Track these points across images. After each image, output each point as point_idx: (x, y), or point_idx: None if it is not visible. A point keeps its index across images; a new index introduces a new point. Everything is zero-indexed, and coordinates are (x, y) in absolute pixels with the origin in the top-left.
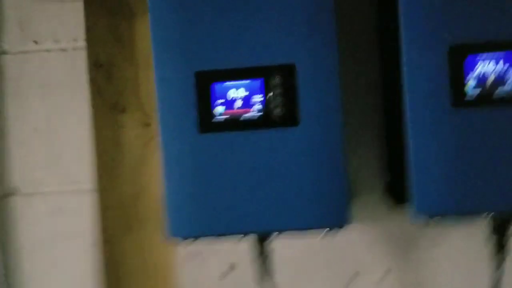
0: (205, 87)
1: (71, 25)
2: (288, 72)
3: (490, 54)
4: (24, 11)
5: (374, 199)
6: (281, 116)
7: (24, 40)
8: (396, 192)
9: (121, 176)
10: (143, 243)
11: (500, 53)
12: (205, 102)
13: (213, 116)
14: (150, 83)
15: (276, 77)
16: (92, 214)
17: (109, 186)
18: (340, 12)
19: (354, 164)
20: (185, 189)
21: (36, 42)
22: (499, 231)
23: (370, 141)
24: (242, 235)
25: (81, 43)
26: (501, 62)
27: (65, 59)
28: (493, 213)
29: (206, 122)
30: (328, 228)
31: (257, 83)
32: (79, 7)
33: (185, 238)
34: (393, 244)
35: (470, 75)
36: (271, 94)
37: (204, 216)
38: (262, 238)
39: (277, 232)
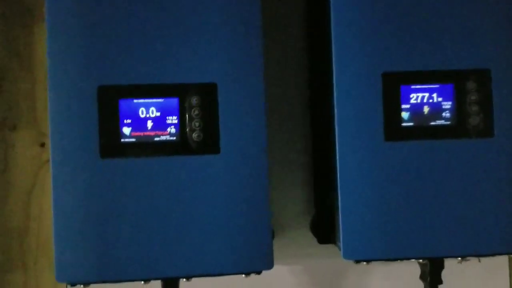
0: (109, 104)
1: None
2: (208, 91)
3: (425, 85)
4: None
5: (300, 235)
6: (200, 141)
7: None
8: (322, 230)
9: (8, 204)
10: (27, 284)
11: (435, 86)
12: (109, 121)
13: (119, 137)
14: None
15: (194, 97)
16: None
17: None
18: (268, 33)
19: (280, 198)
20: (76, 224)
21: None
22: (429, 277)
23: (297, 175)
24: (144, 281)
25: None
26: (435, 95)
27: None
28: (423, 259)
29: (109, 145)
30: (247, 273)
31: (172, 102)
32: None
33: (74, 283)
34: (319, 283)
35: (404, 106)
36: (188, 116)
37: (97, 257)
38: (169, 285)
39: (186, 279)
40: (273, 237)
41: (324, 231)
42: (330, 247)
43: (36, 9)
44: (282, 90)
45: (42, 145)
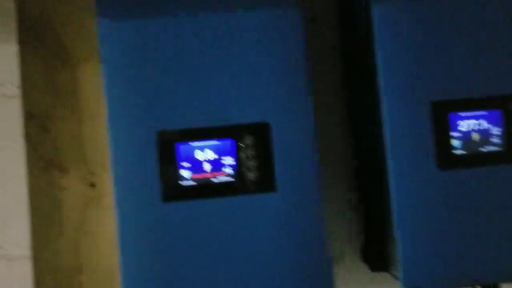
0: (168, 148)
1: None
2: (261, 131)
3: (473, 112)
4: None
5: (350, 264)
6: (256, 181)
7: None
8: (374, 258)
9: (60, 244)
10: None
11: (483, 112)
12: (168, 165)
13: (178, 180)
14: (95, 136)
15: (248, 137)
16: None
17: (45, 256)
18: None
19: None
20: (143, 266)
21: None
22: None
23: (344, 205)
24: None
25: (13, 91)
26: (484, 121)
27: None
28: (483, 285)
29: (169, 189)
30: None
31: (227, 143)
32: (12, 50)
33: None
34: None
35: (454, 134)
36: (243, 156)
37: None
38: None
39: None
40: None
41: (376, 258)
42: (384, 275)
43: (76, 51)
44: (325, 125)
45: (92, 185)
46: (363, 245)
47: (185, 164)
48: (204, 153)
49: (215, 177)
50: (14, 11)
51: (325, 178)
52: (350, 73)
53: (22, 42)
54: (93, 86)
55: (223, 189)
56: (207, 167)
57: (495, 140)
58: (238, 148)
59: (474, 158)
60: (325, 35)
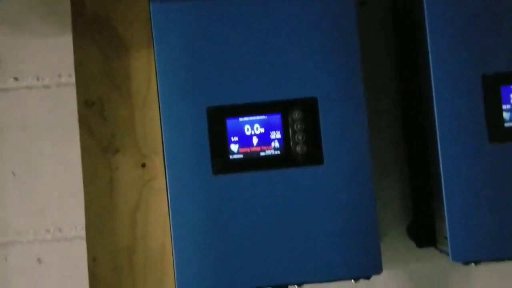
0: (218, 123)
1: (55, 61)
2: (309, 106)
3: None
4: (3, 46)
5: (397, 240)
6: (303, 154)
7: (3, 77)
8: (421, 233)
9: (115, 224)
10: None
11: None
12: (218, 140)
13: (228, 154)
14: (146, 122)
15: (296, 112)
16: (79, 267)
17: (100, 236)
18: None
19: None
20: (196, 239)
21: (16, 79)
22: None
23: (392, 181)
24: None
25: (67, 79)
26: None
27: (49, 97)
28: None
29: (219, 162)
30: (356, 279)
31: (275, 118)
32: (67, 41)
33: None
34: (421, 287)
35: (505, 107)
36: (291, 130)
37: (217, 269)
38: None
39: (297, 285)
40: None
41: (423, 234)
42: (429, 251)
43: (129, 38)
44: (375, 98)
45: (143, 165)
46: (411, 221)
47: (234, 138)
48: (253, 128)
49: (263, 151)
50: (69, 2)
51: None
52: (402, 55)
53: (78, 33)
54: (145, 73)
55: (270, 162)
56: (255, 141)
57: None
58: (285, 123)
59: None
60: (375, 18)
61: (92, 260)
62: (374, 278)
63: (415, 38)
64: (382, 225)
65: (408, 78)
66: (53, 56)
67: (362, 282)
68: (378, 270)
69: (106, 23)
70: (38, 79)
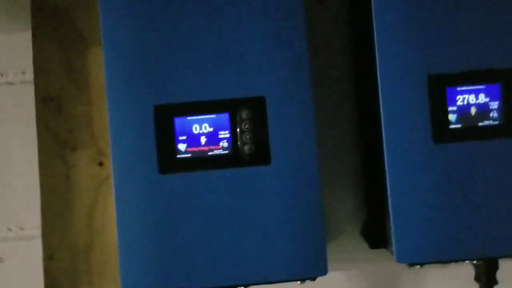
0: (165, 122)
1: (18, 57)
2: (257, 105)
3: (471, 86)
4: None
5: (351, 240)
6: (251, 154)
7: None
8: (374, 235)
9: (71, 221)
10: None
11: (481, 86)
12: (165, 139)
13: (175, 154)
14: (104, 118)
15: (244, 111)
16: (36, 265)
17: (56, 233)
18: (313, 43)
19: (329, 203)
20: (140, 238)
21: None
22: (484, 278)
23: (347, 180)
24: None
25: (30, 76)
26: (482, 95)
27: (12, 94)
28: (478, 260)
29: (166, 161)
30: (302, 280)
31: (223, 117)
32: (28, 37)
33: None
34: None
35: (451, 108)
36: (239, 129)
37: (162, 268)
38: None
39: (243, 287)
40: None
41: (376, 235)
42: (381, 252)
43: (89, 34)
44: (331, 96)
45: (101, 163)
46: (364, 222)
47: (182, 137)
48: (201, 127)
49: (211, 150)
50: None
51: (329, 154)
52: (357, 54)
53: (37, 27)
54: (103, 68)
55: (218, 162)
56: (203, 140)
57: (493, 114)
58: (234, 122)
59: (471, 132)
60: (334, 14)
61: (49, 258)
62: (328, 278)
63: (369, 38)
64: (338, 224)
65: (363, 78)
66: (17, 52)
67: (316, 282)
68: (323, 271)
69: (65, 16)
70: (2, 75)
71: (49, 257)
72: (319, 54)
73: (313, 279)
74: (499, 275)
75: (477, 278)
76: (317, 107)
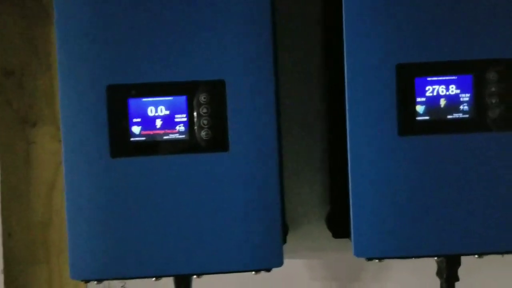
0: (118, 103)
1: None
2: (216, 88)
3: (441, 77)
4: None
5: (315, 229)
6: (208, 139)
7: None
8: (337, 224)
9: (30, 199)
10: (52, 278)
11: (452, 77)
12: (118, 121)
13: (128, 137)
14: None
15: (202, 94)
16: None
17: (16, 210)
18: (280, 28)
19: (295, 192)
20: (89, 223)
21: None
22: (445, 274)
23: (313, 169)
24: (156, 278)
25: None
26: (453, 86)
27: None
28: (438, 256)
29: (119, 144)
30: (256, 271)
31: (180, 100)
32: None
33: (87, 280)
34: (334, 277)
35: (419, 99)
36: (196, 114)
37: (113, 256)
38: (181, 282)
39: (197, 276)
40: (287, 231)
41: (339, 225)
42: (345, 242)
43: (53, 9)
44: (298, 85)
45: (61, 141)
46: (328, 212)
47: (136, 120)
48: (157, 110)
49: (166, 134)
50: None
51: (295, 143)
52: (328, 43)
53: None
54: None
55: (174, 147)
56: (158, 123)
57: (464, 107)
58: (191, 106)
59: (440, 125)
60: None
61: (8, 235)
62: (289, 266)
63: (340, 27)
64: (303, 213)
65: (333, 68)
66: None
67: (277, 270)
68: (278, 263)
69: None
70: None
71: (8, 234)
72: (290, 46)
73: (268, 270)
74: (461, 271)
75: (438, 274)
76: (286, 98)
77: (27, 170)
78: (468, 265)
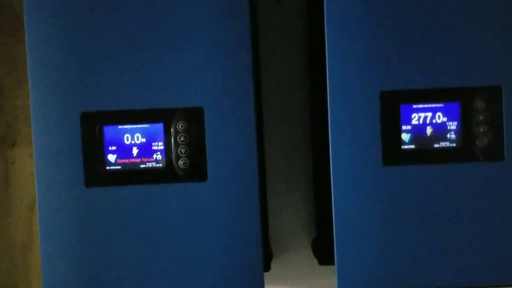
0: (94, 130)
1: None
2: (194, 116)
3: (428, 104)
4: None
5: (300, 256)
6: (186, 169)
7: None
8: (323, 251)
9: (10, 221)
10: None
11: (439, 105)
12: (94, 149)
13: (104, 165)
14: None
15: (180, 122)
16: None
17: None
18: (264, 52)
19: (280, 218)
20: (64, 255)
21: None
22: None
23: (298, 195)
24: None
25: None
26: (439, 114)
27: None
28: None
29: (95, 174)
30: None
31: (157, 127)
32: None
33: None
34: None
35: (405, 127)
36: (174, 141)
37: (86, 285)
38: None
39: None
40: (271, 257)
41: (325, 252)
42: (330, 268)
43: None
44: (282, 109)
45: None
46: (314, 238)
47: (111, 148)
48: (133, 137)
49: (143, 163)
50: None
51: (280, 168)
52: (313, 61)
53: None
54: None
55: (151, 176)
56: (135, 151)
57: (451, 135)
58: (168, 133)
59: (426, 155)
60: (291, 16)
61: None
62: None
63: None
64: (288, 239)
65: (316, 94)
66: None
67: None
68: None
69: (7, 3)
70: None
71: None
72: (273, 69)
73: None
74: None
75: None
76: (269, 122)
77: (7, 191)
78: None
